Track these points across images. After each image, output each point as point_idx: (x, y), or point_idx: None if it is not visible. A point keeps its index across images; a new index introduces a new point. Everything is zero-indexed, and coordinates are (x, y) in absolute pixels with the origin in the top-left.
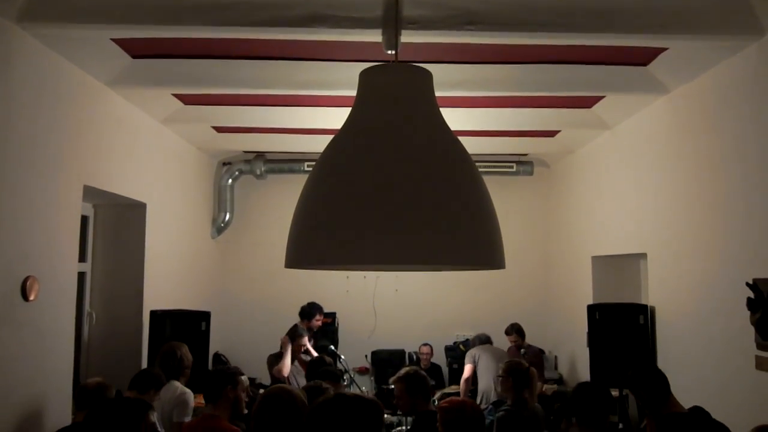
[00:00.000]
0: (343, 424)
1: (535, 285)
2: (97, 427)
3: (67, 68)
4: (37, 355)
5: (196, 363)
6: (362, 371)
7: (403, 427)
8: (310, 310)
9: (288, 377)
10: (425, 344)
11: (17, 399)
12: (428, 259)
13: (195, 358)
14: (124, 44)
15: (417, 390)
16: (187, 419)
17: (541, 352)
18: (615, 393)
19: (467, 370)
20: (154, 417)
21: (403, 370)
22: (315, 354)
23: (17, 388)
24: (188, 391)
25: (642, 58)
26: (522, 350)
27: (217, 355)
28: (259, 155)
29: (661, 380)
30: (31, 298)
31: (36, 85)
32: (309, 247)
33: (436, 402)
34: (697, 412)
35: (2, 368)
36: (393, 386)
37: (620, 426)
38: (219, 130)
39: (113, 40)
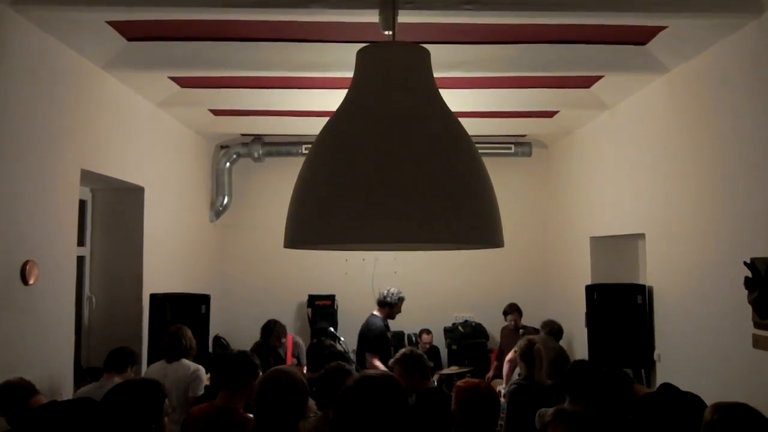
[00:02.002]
0: (372, 405)
1: (533, 266)
2: (119, 410)
3: (62, 51)
4: (38, 340)
5: (196, 346)
6: None
7: None
8: (392, 299)
9: None
10: (428, 332)
11: None
12: (427, 237)
13: (195, 341)
14: (119, 27)
15: (414, 369)
16: (200, 393)
17: (537, 331)
18: None
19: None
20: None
21: (399, 352)
22: None
23: (18, 372)
24: (201, 367)
25: (641, 37)
26: (520, 330)
27: (217, 338)
28: (257, 138)
29: (618, 377)
30: (31, 282)
31: (31, 69)
32: (307, 228)
33: (435, 383)
34: (666, 388)
35: (2, 352)
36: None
37: None
38: (216, 113)
39: (108, 22)
